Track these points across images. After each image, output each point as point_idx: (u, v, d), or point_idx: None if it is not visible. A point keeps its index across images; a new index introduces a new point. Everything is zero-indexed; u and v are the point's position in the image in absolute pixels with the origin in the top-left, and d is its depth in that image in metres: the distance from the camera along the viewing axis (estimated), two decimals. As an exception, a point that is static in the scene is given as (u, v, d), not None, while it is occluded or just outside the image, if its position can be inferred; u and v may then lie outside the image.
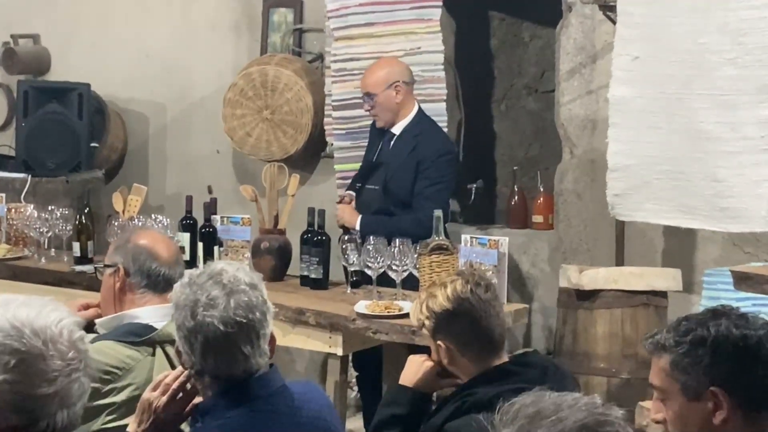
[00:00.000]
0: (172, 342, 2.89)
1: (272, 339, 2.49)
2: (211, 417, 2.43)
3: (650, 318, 4.47)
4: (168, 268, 3.00)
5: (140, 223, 4.64)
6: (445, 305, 2.85)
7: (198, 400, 2.52)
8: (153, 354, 2.88)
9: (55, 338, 1.95)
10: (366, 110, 4.97)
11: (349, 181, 5.18)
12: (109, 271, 3.05)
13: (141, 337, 2.87)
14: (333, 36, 5.58)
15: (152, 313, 2.95)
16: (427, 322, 2.89)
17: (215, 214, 4.70)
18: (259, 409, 2.42)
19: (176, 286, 2.49)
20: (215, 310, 2.38)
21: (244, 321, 2.39)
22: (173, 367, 2.87)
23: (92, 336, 2.96)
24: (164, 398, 2.50)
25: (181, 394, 2.51)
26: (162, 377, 2.55)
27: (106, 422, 2.80)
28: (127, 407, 2.82)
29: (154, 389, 2.53)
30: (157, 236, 3.12)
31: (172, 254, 3.06)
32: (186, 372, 2.50)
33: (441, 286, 2.89)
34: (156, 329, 2.89)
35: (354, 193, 4.99)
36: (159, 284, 2.98)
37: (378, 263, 4.16)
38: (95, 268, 3.30)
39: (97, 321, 3.05)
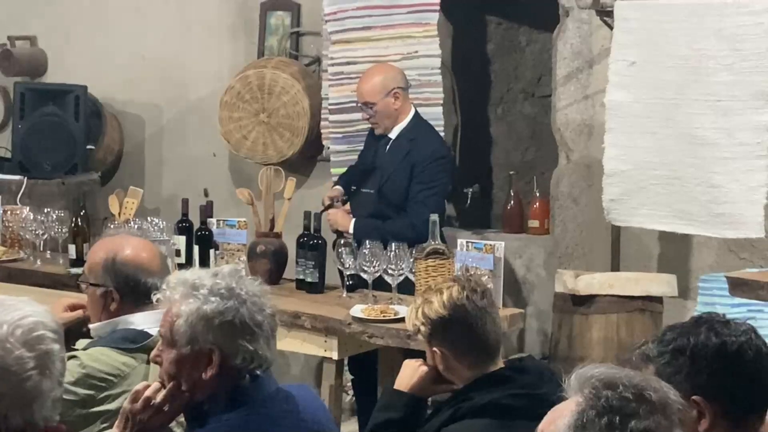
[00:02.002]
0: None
1: None
2: (206, 420, 2.44)
3: (646, 323, 4.48)
4: (160, 278, 2.91)
5: (136, 226, 4.63)
6: (440, 312, 2.85)
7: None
8: (148, 361, 2.85)
9: (3, 337, 1.93)
10: (365, 119, 4.97)
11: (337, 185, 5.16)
12: (99, 291, 2.97)
13: (136, 343, 2.86)
14: (330, 39, 5.57)
15: (147, 318, 2.92)
16: (422, 328, 2.89)
17: (211, 217, 4.70)
18: (255, 413, 2.42)
19: (207, 280, 2.44)
20: (267, 301, 2.45)
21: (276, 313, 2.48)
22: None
23: (87, 341, 2.96)
24: (149, 412, 2.47)
25: (166, 407, 2.48)
26: (141, 388, 2.49)
27: (101, 430, 2.79)
28: None
29: (134, 401, 2.48)
30: (138, 244, 3.02)
31: (158, 260, 2.99)
32: (171, 386, 2.46)
33: (437, 292, 2.90)
34: (151, 335, 2.87)
35: (342, 189, 4.98)
36: (150, 297, 2.94)
37: (374, 267, 4.16)
38: (77, 280, 3.16)
39: (91, 326, 3.02)
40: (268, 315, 2.45)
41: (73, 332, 3.13)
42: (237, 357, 2.40)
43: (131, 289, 2.93)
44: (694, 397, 2.17)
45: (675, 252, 4.98)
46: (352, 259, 4.24)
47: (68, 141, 6.01)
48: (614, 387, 1.74)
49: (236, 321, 2.40)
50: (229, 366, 2.41)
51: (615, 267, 4.91)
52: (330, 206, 4.88)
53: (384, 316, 4.06)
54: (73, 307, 3.17)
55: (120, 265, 2.94)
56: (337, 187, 5.04)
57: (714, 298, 4.29)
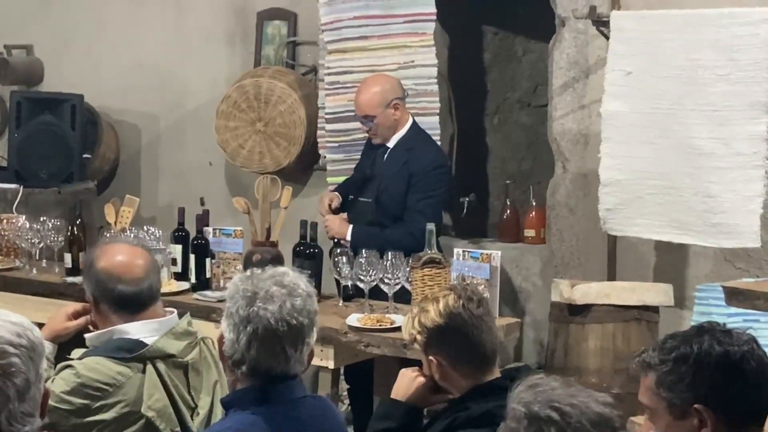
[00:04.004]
0: (163, 357, 2.88)
1: (311, 352, 2.54)
2: (234, 410, 2.47)
3: (642, 333, 4.47)
4: (133, 285, 2.92)
5: (132, 235, 4.63)
6: (437, 320, 2.85)
7: None
8: (143, 371, 2.85)
9: None
10: (364, 131, 4.95)
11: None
12: (86, 295, 3.01)
13: (131, 353, 2.85)
14: (326, 49, 5.58)
15: (142, 328, 2.91)
16: (419, 337, 2.89)
17: (207, 226, 4.69)
18: (282, 413, 2.45)
19: (235, 278, 2.52)
20: (271, 306, 2.43)
21: (295, 323, 2.44)
22: (164, 383, 2.87)
23: (82, 350, 2.95)
24: None
25: None
26: None
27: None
28: (117, 424, 2.80)
29: None
30: (123, 251, 3.00)
31: (137, 270, 2.94)
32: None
33: (433, 300, 2.89)
34: (146, 345, 2.87)
35: (339, 195, 4.97)
36: (128, 305, 2.92)
37: (370, 276, 4.16)
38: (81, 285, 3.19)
39: (86, 335, 3.01)
40: (293, 326, 2.45)
41: (69, 341, 3.13)
42: (271, 363, 2.44)
43: (104, 295, 2.94)
44: (696, 406, 2.17)
45: (671, 261, 4.98)
46: (349, 269, 4.24)
47: (64, 150, 6.00)
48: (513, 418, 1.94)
49: (258, 329, 2.42)
50: (263, 370, 2.45)
51: (611, 276, 4.91)
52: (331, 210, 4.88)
53: (380, 326, 4.05)
54: (76, 314, 3.13)
55: (95, 271, 2.96)
56: (335, 194, 5.02)
57: (710, 308, 4.29)
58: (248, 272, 2.51)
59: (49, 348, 2.99)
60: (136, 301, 2.92)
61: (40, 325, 2.06)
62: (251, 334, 2.42)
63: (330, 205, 4.88)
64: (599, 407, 2.00)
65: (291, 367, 2.47)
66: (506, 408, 2.75)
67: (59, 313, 3.15)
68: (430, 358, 2.88)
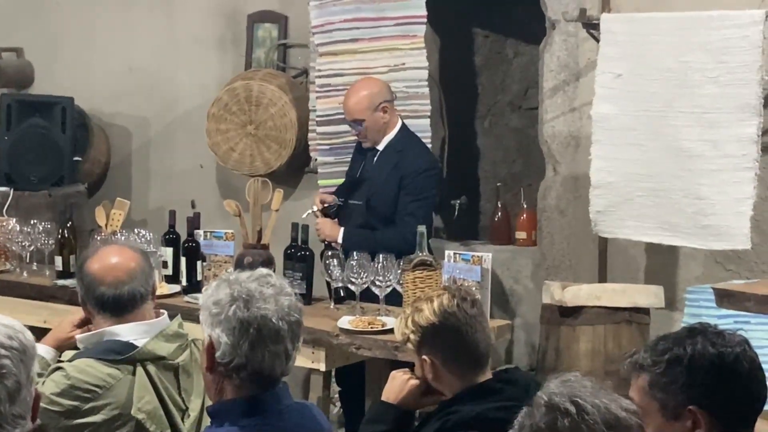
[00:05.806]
0: (153, 360, 2.88)
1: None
2: (219, 421, 2.45)
3: (633, 335, 4.48)
4: (113, 288, 2.91)
5: (123, 238, 4.63)
6: (431, 319, 2.86)
7: None
8: (133, 373, 2.85)
9: None
10: (354, 134, 4.97)
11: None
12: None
13: (122, 355, 2.84)
14: (317, 51, 5.57)
15: (132, 330, 2.91)
16: (412, 336, 2.89)
17: (198, 228, 4.69)
18: (271, 423, 2.44)
19: (212, 285, 2.49)
20: (270, 305, 2.41)
21: (293, 320, 2.44)
22: (154, 385, 2.86)
23: (73, 352, 2.95)
24: None
25: None
26: None
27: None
28: (107, 427, 2.80)
29: None
30: (111, 253, 3.00)
31: (117, 273, 2.93)
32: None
33: (427, 300, 2.90)
34: (137, 347, 2.87)
35: (336, 197, 4.97)
36: (108, 308, 2.92)
37: (361, 279, 4.16)
38: None
39: (77, 337, 3.01)
40: (291, 323, 2.45)
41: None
42: (263, 364, 2.41)
43: (89, 296, 2.95)
44: (690, 407, 2.18)
45: (662, 263, 4.99)
46: (340, 271, 4.24)
47: (55, 153, 5.99)
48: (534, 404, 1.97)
49: (263, 329, 2.41)
50: (266, 373, 2.43)
51: (602, 278, 4.92)
52: (323, 211, 4.86)
53: (371, 328, 4.06)
54: (81, 323, 3.11)
55: (83, 273, 2.97)
56: (333, 196, 5.02)
57: (701, 310, 4.30)
58: (225, 277, 2.48)
59: (51, 354, 3.01)
60: (116, 304, 2.91)
61: (32, 329, 2.06)
62: (255, 336, 2.39)
63: (324, 204, 4.88)
64: (620, 412, 1.99)
65: (289, 366, 2.46)
66: (500, 409, 2.77)
67: (64, 322, 3.15)
68: (424, 357, 2.89)
